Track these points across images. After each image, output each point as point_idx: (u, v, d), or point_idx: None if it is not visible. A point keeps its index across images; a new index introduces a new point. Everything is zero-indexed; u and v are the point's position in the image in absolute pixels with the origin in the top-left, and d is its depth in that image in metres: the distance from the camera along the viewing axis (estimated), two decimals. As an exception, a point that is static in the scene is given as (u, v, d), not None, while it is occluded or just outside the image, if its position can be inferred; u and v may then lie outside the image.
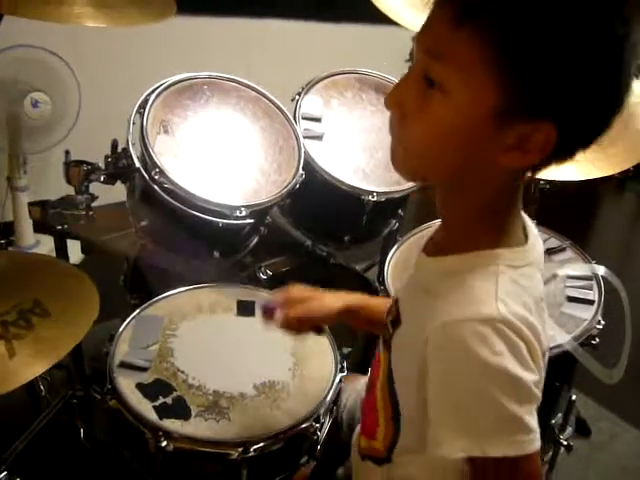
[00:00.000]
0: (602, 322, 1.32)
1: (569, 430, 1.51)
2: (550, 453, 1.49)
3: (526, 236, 0.75)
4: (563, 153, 0.66)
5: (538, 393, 0.67)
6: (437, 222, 0.81)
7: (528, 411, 0.66)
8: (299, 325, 1.04)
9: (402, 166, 0.72)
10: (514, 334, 0.65)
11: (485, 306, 0.66)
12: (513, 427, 0.65)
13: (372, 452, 0.89)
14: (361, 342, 1.75)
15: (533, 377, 0.66)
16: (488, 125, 0.63)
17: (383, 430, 0.85)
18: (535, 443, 0.66)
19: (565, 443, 1.47)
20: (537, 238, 0.77)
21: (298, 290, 1.06)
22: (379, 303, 1.05)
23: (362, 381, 1.22)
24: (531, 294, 0.70)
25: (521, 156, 0.64)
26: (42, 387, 1.61)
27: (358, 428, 1.02)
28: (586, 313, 1.33)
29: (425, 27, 0.66)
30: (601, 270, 1.42)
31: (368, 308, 1.05)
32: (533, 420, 0.66)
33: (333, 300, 1.04)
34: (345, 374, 1.16)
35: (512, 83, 0.60)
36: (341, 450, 1.05)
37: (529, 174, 0.70)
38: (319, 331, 1.11)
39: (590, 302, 1.36)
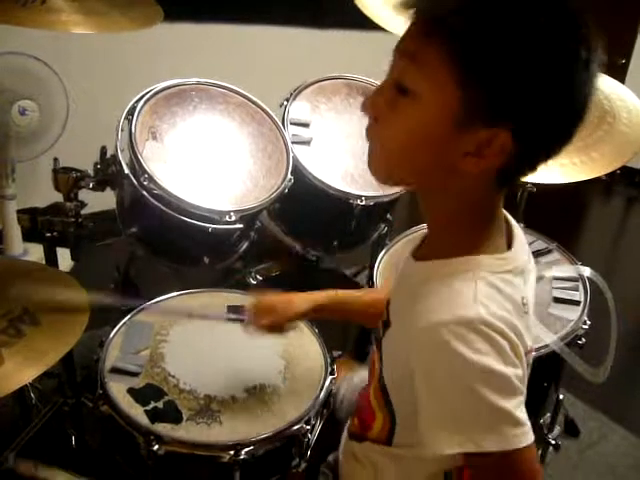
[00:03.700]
0: (588, 322, 1.34)
1: (557, 429, 1.53)
2: (539, 452, 1.50)
3: (510, 244, 0.78)
4: (523, 164, 0.70)
5: (522, 387, 0.69)
6: (426, 226, 0.83)
7: (515, 405, 0.68)
8: (271, 330, 1.13)
9: (375, 168, 0.76)
10: (496, 334, 0.67)
11: (465, 309, 0.68)
12: (503, 420, 0.67)
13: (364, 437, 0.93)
14: (351, 345, 1.76)
15: (516, 371, 0.68)
16: (451, 129, 0.67)
17: (380, 423, 0.87)
18: (527, 436, 0.68)
19: (553, 442, 1.48)
20: (522, 246, 0.79)
21: (266, 299, 1.14)
22: (349, 295, 1.14)
23: (358, 375, 1.23)
24: (509, 299, 0.72)
25: (477, 161, 0.68)
26: (32, 395, 1.61)
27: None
28: (572, 314, 1.35)
29: (403, 35, 0.71)
30: (587, 271, 1.44)
31: (338, 302, 1.13)
32: (522, 414, 0.68)
33: (300, 302, 1.12)
34: (335, 376, 1.17)
35: (471, 88, 0.65)
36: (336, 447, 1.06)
37: (505, 183, 0.73)
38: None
39: (576, 303, 1.38)
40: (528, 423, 0.69)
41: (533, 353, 0.80)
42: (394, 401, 0.83)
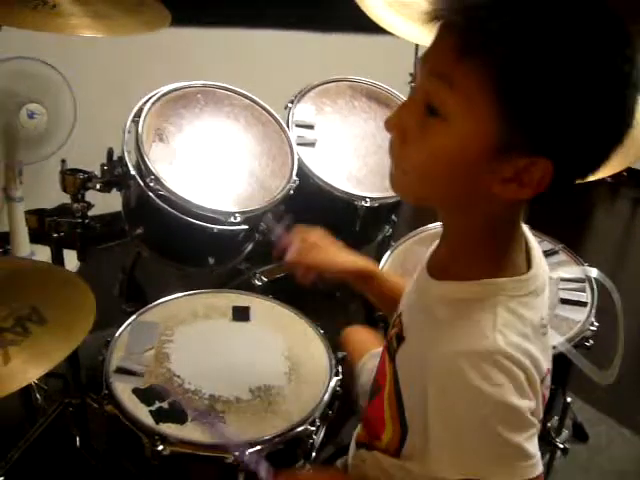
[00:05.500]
0: (595, 324, 1.33)
1: (565, 433, 1.51)
2: (547, 457, 1.49)
3: (529, 262, 0.75)
4: (560, 186, 0.66)
5: (534, 420, 0.69)
6: (430, 227, 0.82)
7: (527, 438, 0.67)
8: (305, 273, 1.06)
9: (400, 188, 0.74)
10: (513, 365, 0.66)
11: (483, 340, 0.67)
12: (513, 455, 0.66)
13: (372, 446, 0.91)
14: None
15: (530, 404, 0.68)
16: (486, 156, 0.63)
17: (390, 434, 0.86)
18: (536, 468, 0.67)
19: (561, 446, 1.47)
20: (540, 262, 0.77)
21: (317, 236, 1.07)
22: (391, 278, 1.08)
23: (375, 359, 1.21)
24: (529, 323, 0.71)
25: (517, 189, 0.65)
26: (38, 396, 1.61)
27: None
28: (579, 315, 1.34)
29: (432, 50, 0.65)
30: (594, 272, 1.43)
31: (381, 279, 1.07)
32: (532, 446, 0.67)
33: (348, 260, 1.06)
34: (340, 377, 1.16)
35: (511, 119, 0.60)
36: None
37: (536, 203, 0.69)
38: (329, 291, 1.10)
39: (583, 304, 1.37)
40: (538, 454, 0.68)
41: (549, 374, 0.79)
42: (407, 411, 0.81)
